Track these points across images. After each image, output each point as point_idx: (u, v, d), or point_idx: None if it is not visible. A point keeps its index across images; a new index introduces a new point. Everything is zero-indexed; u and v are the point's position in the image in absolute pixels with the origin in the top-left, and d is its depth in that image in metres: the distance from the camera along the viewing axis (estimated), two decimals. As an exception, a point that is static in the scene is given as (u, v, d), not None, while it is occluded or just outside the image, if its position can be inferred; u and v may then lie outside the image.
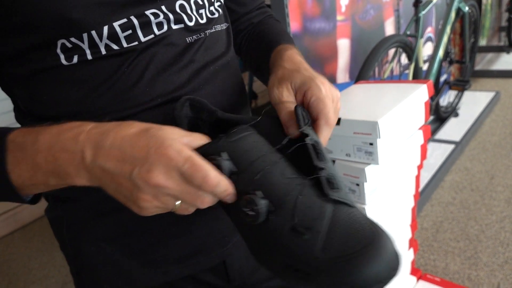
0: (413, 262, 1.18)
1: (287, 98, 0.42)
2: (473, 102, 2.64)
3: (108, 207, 0.48)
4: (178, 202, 0.34)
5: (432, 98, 2.02)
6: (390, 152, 0.88)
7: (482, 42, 3.38)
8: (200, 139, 0.35)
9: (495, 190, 1.80)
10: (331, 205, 0.33)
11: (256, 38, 0.59)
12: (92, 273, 0.50)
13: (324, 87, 0.41)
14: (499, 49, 3.58)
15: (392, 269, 0.30)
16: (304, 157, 0.36)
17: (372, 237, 0.31)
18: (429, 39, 2.27)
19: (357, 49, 1.71)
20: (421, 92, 0.96)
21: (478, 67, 3.29)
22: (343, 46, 1.67)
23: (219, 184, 0.33)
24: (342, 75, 1.68)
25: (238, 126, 0.37)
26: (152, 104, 0.43)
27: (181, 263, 0.51)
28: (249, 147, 0.35)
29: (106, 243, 0.49)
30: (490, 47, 3.62)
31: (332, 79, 1.64)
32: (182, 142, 0.33)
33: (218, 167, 0.33)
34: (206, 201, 0.34)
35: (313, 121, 0.41)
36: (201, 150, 0.34)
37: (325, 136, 0.40)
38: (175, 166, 0.32)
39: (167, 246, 0.50)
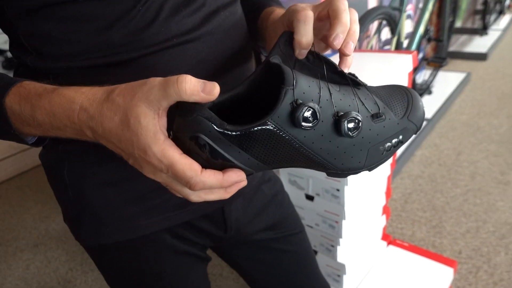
0: (384, 228, 1.24)
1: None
2: (445, 82, 2.72)
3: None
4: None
5: (409, 75, 2.06)
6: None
7: (457, 23, 3.45)
8: None
9: (461, 166, 1.89)
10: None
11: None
12: (94, 217, 0.50)
13: (302, 6, 0.42)
14: (473, 32, 3.67)
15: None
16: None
17: (406, 92, 0.42)
18: (408, 16, 2.29)
19: (341, 20, 1.70)
20: (406, 62, 0.98)
21: (451, 48, 3.37)
22: (327, 16, 1.66)
23: (205, 181, 0.34)
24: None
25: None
26: (168, 45, 0.43)
27: (181, 208, 0.52)
28: None
29: (110, 187, 0.49)
30: (465, 29, 3.70)
31: (315, 49, 1.63)
32: (162, 139, 0.33)
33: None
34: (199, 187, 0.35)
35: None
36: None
37: (298, 32, 0.39)
38: (160, 171, 0.35)
39: (169, 191, 0.50)
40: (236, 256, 0.67)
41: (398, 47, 1.76)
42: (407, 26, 2.25)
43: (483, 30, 3.58)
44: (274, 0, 0.58)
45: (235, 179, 0.35)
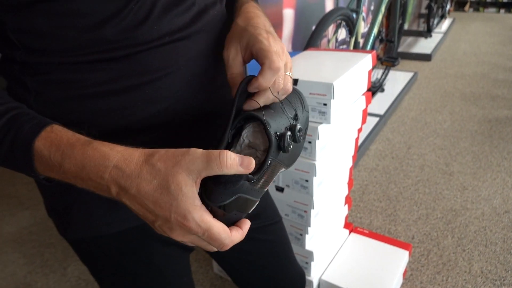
0: (346, 217, 1.32)
1: (234, 58, 0.47)
2: (395, 81, 2.90)
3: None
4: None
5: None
6: (340, 114, 0.96)
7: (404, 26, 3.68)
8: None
9: (411, 158, 2.04)
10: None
11: None
12: (84, 208, 0.50)
13: (268, 41, 0.46)
14: (419, 34, 3.93)
15: None
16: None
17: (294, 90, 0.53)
18: (362, 17, 2.41)
19: (300, 20, 1.76)
20: (367, 61, 1.05)
21: (399, 49, 3.58)
22: (288, 16, 1.72)
23: (234, 240, 0.40)
24: (285, 45, 1.73)
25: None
26: (160, 42, 0.44)
27: None
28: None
29: None
30: (412, 31, 3.95)
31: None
32: (199, 206, 0.37)
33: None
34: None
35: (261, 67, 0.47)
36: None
37: (267, 79, 0.44)
38: (195, 234, 0.38)
39: None
40: None
41: (356, 47, 1.86)
42: (362, 27, 2.37)
43: (427, 32, 3.83)
44: None
45: (247, 227, 0.43)
